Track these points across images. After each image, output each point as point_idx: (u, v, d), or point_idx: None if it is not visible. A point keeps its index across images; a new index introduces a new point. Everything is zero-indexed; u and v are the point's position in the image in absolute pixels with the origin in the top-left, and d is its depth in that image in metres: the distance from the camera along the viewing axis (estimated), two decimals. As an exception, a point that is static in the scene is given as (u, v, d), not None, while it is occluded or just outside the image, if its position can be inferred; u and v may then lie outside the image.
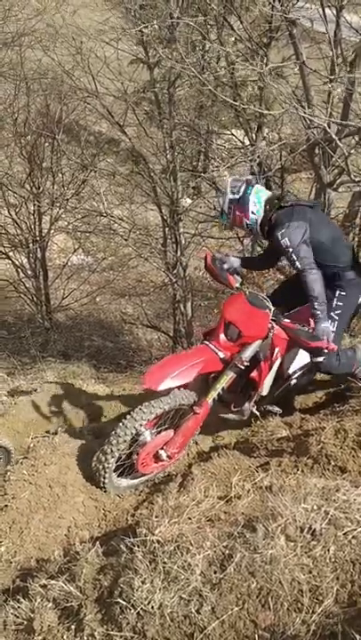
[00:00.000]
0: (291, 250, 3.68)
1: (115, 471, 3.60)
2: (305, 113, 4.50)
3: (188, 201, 9.63)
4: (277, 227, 3.75)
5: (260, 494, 2.86)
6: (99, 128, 11.45)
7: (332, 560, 2.18)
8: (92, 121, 10.05)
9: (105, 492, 3.58)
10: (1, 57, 8.84)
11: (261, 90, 5.94)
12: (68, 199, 8.51)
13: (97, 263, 10.74)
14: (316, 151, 6.01)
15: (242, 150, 6.98)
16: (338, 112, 5.84)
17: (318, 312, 3.62)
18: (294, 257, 3.68)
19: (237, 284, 3.91)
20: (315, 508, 2.44)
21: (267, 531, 2.34)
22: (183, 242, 7.67)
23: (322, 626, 1.97)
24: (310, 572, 2.15)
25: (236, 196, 3.79)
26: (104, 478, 3.52)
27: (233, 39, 6.25)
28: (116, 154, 11.55)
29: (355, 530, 2.27)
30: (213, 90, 4.91)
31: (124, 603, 2.22)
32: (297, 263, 3.68)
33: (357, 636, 1.79)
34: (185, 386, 3.57)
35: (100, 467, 3.50)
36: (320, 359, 3.77)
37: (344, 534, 2.27)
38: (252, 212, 3.78)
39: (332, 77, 4.97)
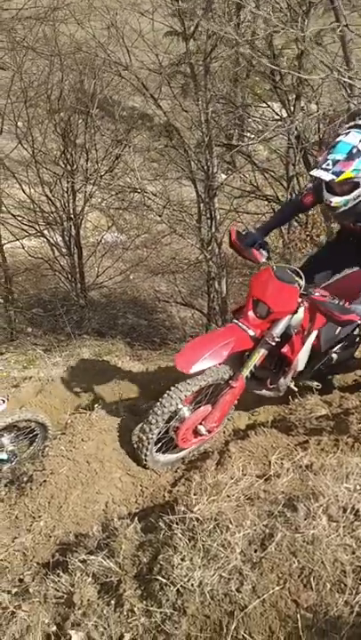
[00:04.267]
0: None
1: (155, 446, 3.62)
2: (347, 78, 4.31)
3: (223, 177, 9.49)
4: None
5: (299, 473, 2.81)
6: (132, 103, 11.33)
7: (377, 541, 2.13)
8: (125, 96, 9.94)
9: (146, 467, 3.61)
10: (34, 32, 8.76)
11: (300, 57, 5.74)
12: (101, 175, 8.46)
13: (130, 241, 10.70)
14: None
15: (279, 122, 6.80)
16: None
17: None
18: None
19: (264, 259, 3.81)
20: (357, 487, 2.40)
21: (308, 510, 2.31)
22: (218, 218, 7.56)
23: (366, 608, 1.93)
24: (353, 553, 2.11)
25: None
26: (146, 454, 3.54)
27: (270, 8, 6.04)
28: (149, 129, 11.42)
29: None
30: (253, 53, 4.74)
31: (164, 579, 2.21)
32: None
33: None
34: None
35: (143, 441, 3.52)
36: None
37: (389, 515, 2.22)
38: None
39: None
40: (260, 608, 2.04)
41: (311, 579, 2.06)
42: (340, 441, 3.28)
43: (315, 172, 3.40)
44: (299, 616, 1.97)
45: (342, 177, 3.34)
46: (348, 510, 2.27)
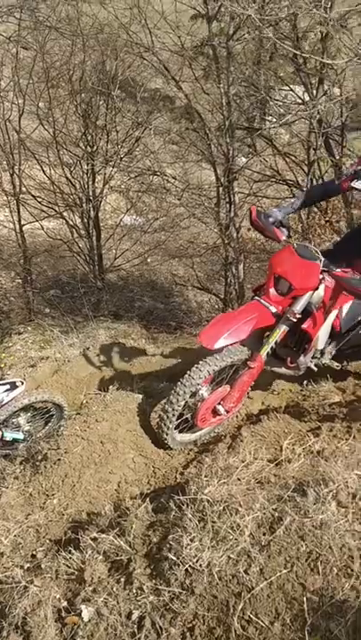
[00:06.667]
0: None
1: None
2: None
3: (243, 160, 9.40)
4: None
5: (310, 459, 2.84)
6: (154, 85, 11.24)
7: (385, 528, 2.15)
8: (147, 78, 9.86)
9: (166, 445, 3.68)
10: (58, 12, 8.70)
11: (324, 40, 5.65)
12: (121, 158, 8.43)
13: (149, 224, 10.67)
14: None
15: (301, 106, 6.71)
16: None
17: None
18: None
19: (285, 237, 3.83)
20: (368, 475, 2.41)
21: (318, 496, 2.33)
22: (237, 202, 7.50)
23: (372, 593, 1.95)
24: (361, 539, 2.13)
25: None
26: (167, 432, 3.61)
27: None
28: (170, 111, 11.34)
29: None
30: (274, 39, 4.68)
31: (173, 559, 2.25)
32: None
33: None
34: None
35: (164, 420, 3.59)
36: None
37: None
38: None
39: None
40: (267, 590, 2.07)
41: (318, 563, 2.09)
42: (353, 428, 3.30)
43: (356, 184, 3.54)
44: (305, 599, 2.00)
45: None
46: (358, 497, 2.29)
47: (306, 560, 2.11)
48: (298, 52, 4.97)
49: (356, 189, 3.50)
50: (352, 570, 2.05)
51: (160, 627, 2.11)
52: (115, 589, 2.30)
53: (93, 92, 7.90)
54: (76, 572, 2.47)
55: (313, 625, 1.92)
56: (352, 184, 3.53)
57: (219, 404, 3.70)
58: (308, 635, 1.89)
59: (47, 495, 3.27)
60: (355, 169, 3.89)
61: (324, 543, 2.13)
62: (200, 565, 2.19)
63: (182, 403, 3.56)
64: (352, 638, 1.83)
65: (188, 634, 2.08)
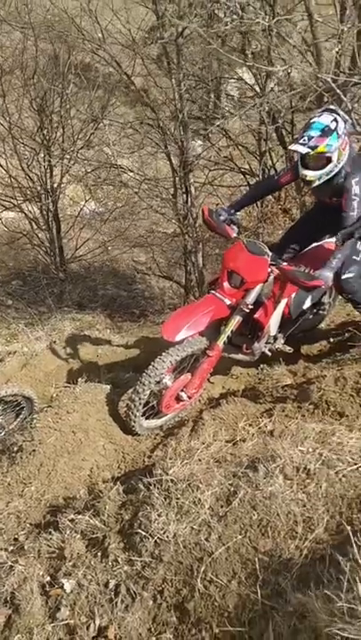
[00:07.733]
0: (358, 198, 3.87)
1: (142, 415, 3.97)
2: (310, 67, 4.52)
3: (200, 143, 9.57)
4: (354, 173, 3.90)
5: (263, 438, 3.15)
6: (109, 70, 11.25)
7: (324, 495, 2.48)
8: (102, 64, 9.90)
9: (133, 432, 3.97)
10: (7, 5, 8.70)
11: (269, 48, 5.89)
12: (78, 150, 8.55)
13: (109, 213, 10.80)
14: (326, 99, 6.02)
15: (252, 99, 6.97)
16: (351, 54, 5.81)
17: (335, 260, 3.83)
18: (355, 205, 3.88)
19: (235, 234, 4.14)
20: (310, 450, 2.75)
21: (267, 470, 2.65)
22: (194, 192, 7.74)
23: (313, 550, 2.29)
24: (304, 506, 2.46)
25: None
26: (134, 420, 3.89)
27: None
28: (126, 95, 11.38)
29: (345, 469, 2.57)
30: (220, 50, 4.91)
31: (143, 533, 2.55)
32: (357, 211, 3.88)
33: (342, 559, 2.09)
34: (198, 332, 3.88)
35: (131, 409, 3.87)
36: (349, 275, 4.03)
37: (335, 473, 2.57)
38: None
39: (342, 28, 4.94)
40: (224, 554, 2.38)
41: (268, 528, 2.41)
42: (302, 408, 3.63)
43: (293, 147, 3.84)
44: (257, 559, 2.32)
45: (317, 150, 3.76)
46: (301, 470, 2.62)
47: (257, 526, 2.43)
48: (243, 62, 5.18)
49: (294, 150, 3.84)
50: (296, 532, 2.37)
51: (134, 592, 2.41)
52: (92, 563, 2.59)
53: (47, 87, 7.97)
54: (57, 551, 2.74)
55: (264, 580, 2.24)
56: (290, 147, 3.89)
57: (181, 390, 4.00)
58: (259, 589, 2.21)
59: (25, 484, 3.51)
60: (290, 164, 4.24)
61: (272, 511, 2.45)
62: (167, 537, 2.50)
63: (148, 392, 3.84)
64: (296, 589, 2.16)
65: (158, 596, 2.38)
